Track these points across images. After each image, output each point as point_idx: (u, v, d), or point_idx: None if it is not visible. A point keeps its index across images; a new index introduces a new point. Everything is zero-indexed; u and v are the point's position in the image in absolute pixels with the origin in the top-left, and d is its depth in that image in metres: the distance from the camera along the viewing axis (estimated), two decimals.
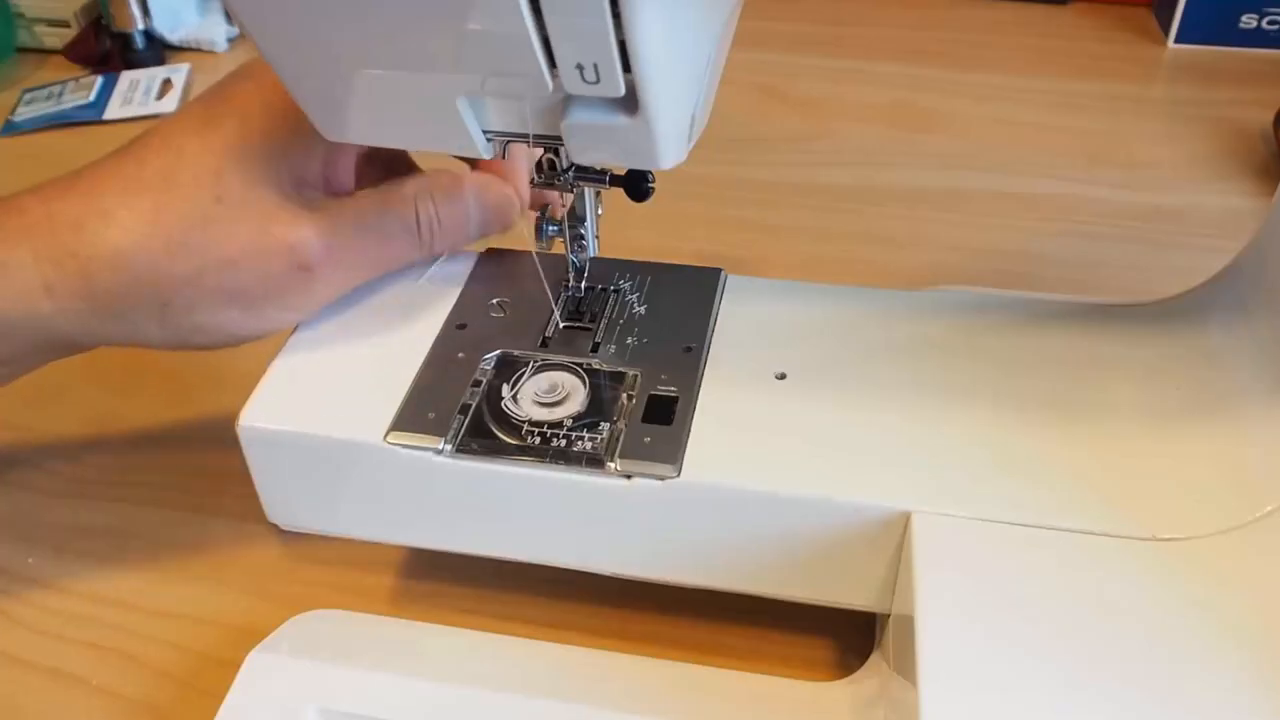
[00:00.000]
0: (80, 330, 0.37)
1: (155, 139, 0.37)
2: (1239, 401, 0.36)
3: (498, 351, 0.39)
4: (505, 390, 0.37)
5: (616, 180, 0.37)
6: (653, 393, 0.37)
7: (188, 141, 0.37)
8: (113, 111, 0.71)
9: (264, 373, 0.38)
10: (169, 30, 0.77)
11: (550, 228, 0.39)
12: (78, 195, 0.36)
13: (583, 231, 0.39)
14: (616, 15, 0.27)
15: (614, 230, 0.41)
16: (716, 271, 0.42)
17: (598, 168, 0.37)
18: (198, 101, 0.38)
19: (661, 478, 0.34)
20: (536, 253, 0.41)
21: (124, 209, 0.36)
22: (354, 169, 0.40)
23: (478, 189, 0.40)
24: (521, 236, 0.40)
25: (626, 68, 0.29)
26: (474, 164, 0.42)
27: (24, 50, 0.77)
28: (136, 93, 0.72)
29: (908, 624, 0.31)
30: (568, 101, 0.31)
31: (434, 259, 0.42)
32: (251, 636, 0.38)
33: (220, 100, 0.38)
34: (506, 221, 0.41)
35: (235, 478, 0.39)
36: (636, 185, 0.37)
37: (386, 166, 0.41)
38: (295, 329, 0.39)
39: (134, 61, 0.75)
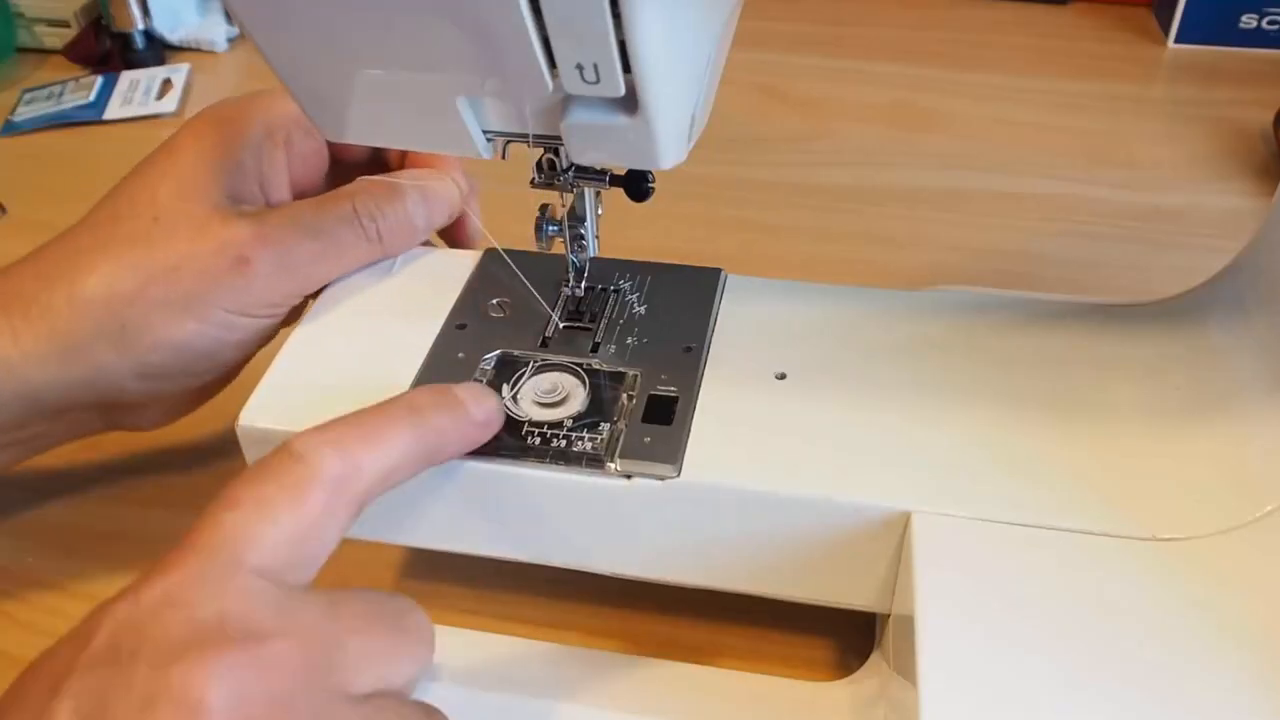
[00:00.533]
0: (48, 378, 0.37)
1: (107, 196, 0.40)
2: (1239, 401, 0.36)
3: (498, 351, 0.39)
4: (505, 390, 0.37)
5: (616, 180, 0.37)
6: (653, 393, 0.37)
7: (127, 186, 0.39)
8: (113, 111, 0.71)
9: (264, 373, 0.38)
10: (169, 30, 0.77)
11: (550, 228, 0.39)
12: (45, 253, 0.39)
13: (583, 231, 0.39)
14: (616, 15, 0.27)
15: (614, 230, 0.41)
16: (716, 271, 0.42)
17: (598, 168, 0.37)
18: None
19: (661, 478, 0.34)
20: (504, 251, 0.41)
21: (77, 253, 0.38)
22: (289, 191, 0.42)
23: (415, 180, 0.42)
24: (522, 236, 0.40)
25: (626, 68, 0.29)
26: (403, 162, 0.44)
27: (24, 50, 0.77)
28: (136, 93, 0.72)
29: (908, 624, 0.31)
30: (568, 101, 0.31)
31: (395, 256, 0.42)
32: None
33: (158, 150, 0.40)
34: (451, 209, 0.43)
35: (235, 478, 0.39)
36: (636, 185, 0.37)
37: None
38: (295, 329, 0.39)
39: (134, 61, 0.75)
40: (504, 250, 0.42)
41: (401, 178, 0.42)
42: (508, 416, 0.36)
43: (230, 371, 0.41)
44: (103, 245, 0.38)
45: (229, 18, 0.78)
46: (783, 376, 0.38)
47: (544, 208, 0.39)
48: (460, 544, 0.38)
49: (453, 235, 0.45)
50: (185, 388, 0.40)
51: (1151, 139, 0.67)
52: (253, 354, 0.41)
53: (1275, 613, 0.31)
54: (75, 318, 0.37)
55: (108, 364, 0.38)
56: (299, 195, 0.43)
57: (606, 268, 0.42)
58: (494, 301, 0.41)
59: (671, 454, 0.35)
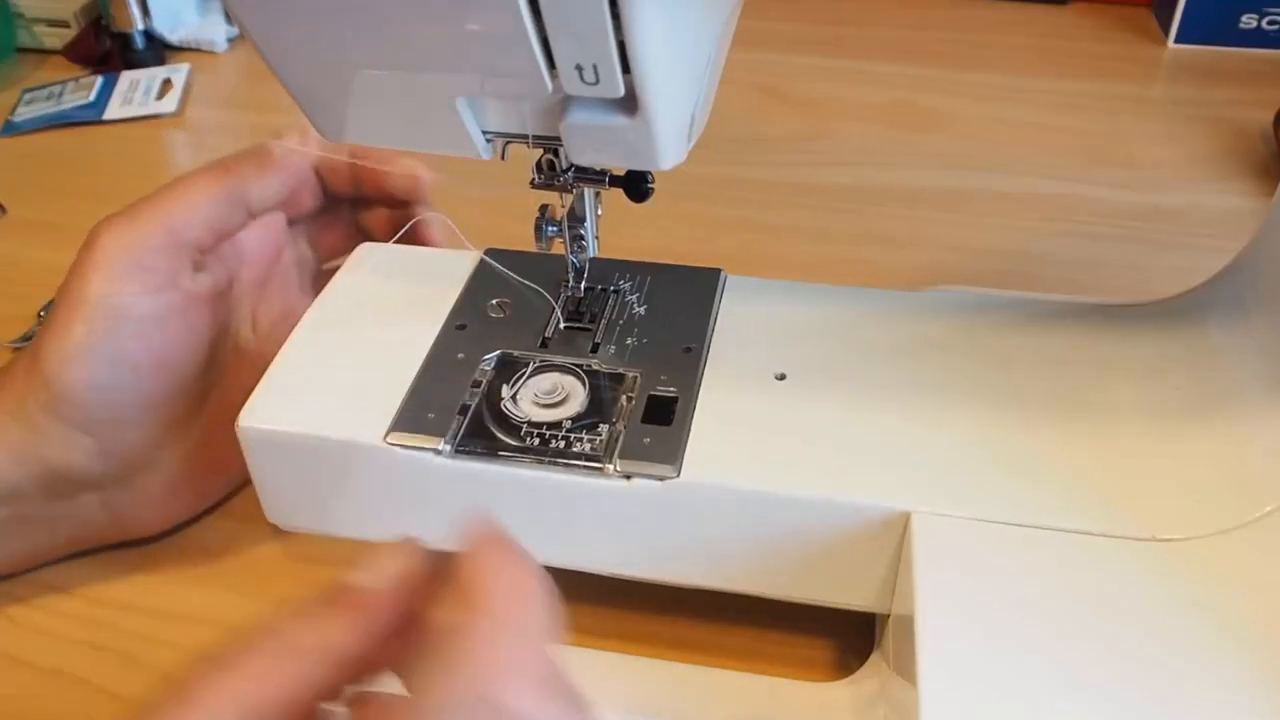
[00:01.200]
0: (39, 440, 0.38)
1: None
2: (1239, 401, 0.36)
3: (498, 352, 0.39)
4: (505, 391, 0.37)
5: (616, 180, 0.37)
6: (652, 393, 0.37)
7: None
8: (113, 111, 0.71)
9: (264, 373, 0.38)
10: (169, 30, 0.77)
11: (550, 228, 0.39)
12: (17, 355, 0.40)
13: (583, 232, 0.39)
14: (616, 15, 0.27)
15: (614, 230, 0.41)
16: (716, 271, 0.42)
17: (597, 168, 0.37)
18: None
19: (661, 478, 0.34)
20: (501, 252, 0.41)
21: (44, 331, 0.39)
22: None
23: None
24: (522, 237, 0.40)
25: (626, 68, 0.29)
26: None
27: (24, 50, 0.77)
28: (136, 93, 0.72)
29: (908, 624, 0.31)
30: (567, 102, 0.31)
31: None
32: None
33: None
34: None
35: None
36: (636, 185, 0.37)
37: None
38: (295, 329, 0.39)
39: (134, 61, 0.75)
40: (502, 251, 0.43)
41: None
42: (508, 418, 0.36)
43: (175, 404, 0.41)
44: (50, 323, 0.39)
45: (229, 18, 0.78)
46: (783, 376, 0.38)
47: (544, 208, 0.39)
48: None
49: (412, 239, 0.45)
50: (135, 441, 0.40)
51: (1151, 139, 0.67)
52: (171, 368, 0.40)
53: (1275, 613, 0.31)
54: (7, 386, 0.39)
55: (40, 422, 0.38)
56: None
57: (606, 268, 0.42)
58: (494, 302, 0.41)
59: (671, 454, 0.35)
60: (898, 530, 0.34)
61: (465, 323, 0.40)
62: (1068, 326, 0.40)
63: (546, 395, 0.37)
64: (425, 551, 0.28)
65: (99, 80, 0.73)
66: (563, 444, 0.35)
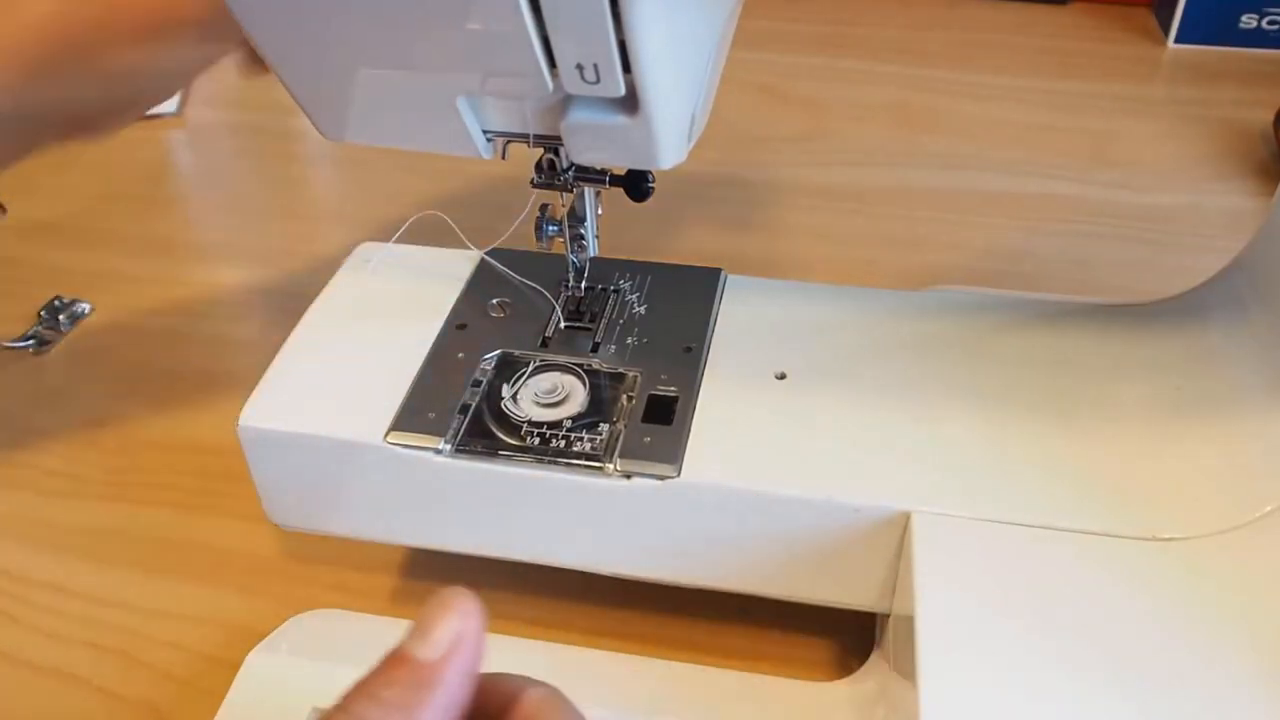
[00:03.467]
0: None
1: None
2: (1239, 401, 0.36)
3: (498, 351, 0.39)
4: (505, 390, 0.37)
5: (616, 180, 0.37)
6: (653, 393, 0.37)
7: None
8: None
9: (264, 373, 0.38)
10: None
11: (550, 228, 0.39)
12: None
13: (583, 231, 0.39)
14: (616, 15, 0.27)
15: (614, 230, 0.41)
16: (716, 271, 0.42)
17: (598, 168, 0.37)
18: None
19: (661, 478, 0.34)
20: (503, 252, 0.41)
21: None
22: None
23: None
24: (522, 236, 0.40)
25: (626, 68, 0.29)
26: None
27: None
28: None
29: (908, 624, 0.31)
30: (568, 101, 0.31)
31: None
32: (251, 636, 0.38)
33: None
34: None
35: (235, 478, 0.39)
36: (636, 185, 0.37)
37: None
38: (295, 329, 0.39)
39: None
40: (502, 251, 0.43)
41: None
42: (508, 417, 0.36)
43: None
44: None
45: None
46: (783, 376, 0.38)
47: (544, 208, 0.39)
48: (460, 544, 0.38)
49: None
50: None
51: (1151, 139, 0.67)
52: None
53: (1275, 613, 0.31)
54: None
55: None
56: None
57: (606, 268, 0.42)
58: (494, 301, 0.41)
59: (671, 454, 0.35)
60: (898, 530, 0.34)
61: (465, 322, 0.40)
62: (1068, 326, 0.40)
63: (547, 395, 0.37)
64: (477, 609, 0.26)
65: None
66: (563, 443, 0.35)
